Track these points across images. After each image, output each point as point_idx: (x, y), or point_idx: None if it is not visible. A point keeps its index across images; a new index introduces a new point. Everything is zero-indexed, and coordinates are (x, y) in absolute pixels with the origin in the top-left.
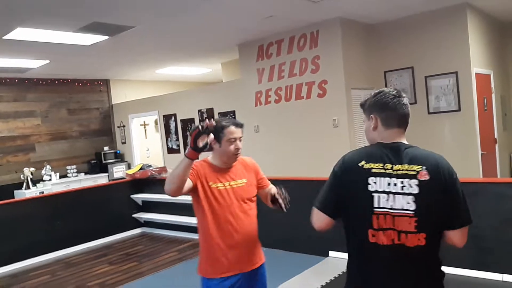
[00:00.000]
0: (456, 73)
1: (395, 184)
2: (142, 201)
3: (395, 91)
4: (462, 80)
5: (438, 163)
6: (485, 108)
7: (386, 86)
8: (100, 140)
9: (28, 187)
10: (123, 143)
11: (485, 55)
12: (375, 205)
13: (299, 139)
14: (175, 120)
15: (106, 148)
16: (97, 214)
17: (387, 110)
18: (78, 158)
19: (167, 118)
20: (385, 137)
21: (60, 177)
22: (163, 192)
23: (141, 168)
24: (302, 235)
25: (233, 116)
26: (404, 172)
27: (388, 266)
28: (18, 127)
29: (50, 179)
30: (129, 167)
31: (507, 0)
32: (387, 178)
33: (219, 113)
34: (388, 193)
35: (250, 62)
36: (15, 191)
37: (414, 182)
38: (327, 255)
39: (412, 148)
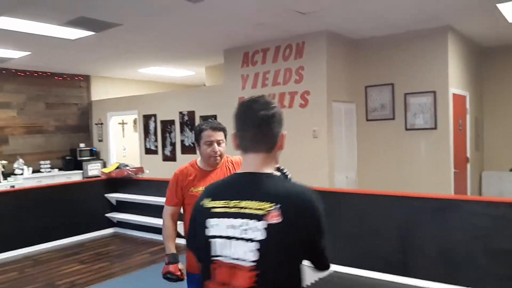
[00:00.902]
0: (434, 92)
1: (238, 227)
2: (116, 200)
3: (254, 98)
4: (439, 99)
5: (298, 200)
6: (460, 127)
7: (366, 101)
8: (77, 137)
9: None
10: (100, 140)
11: (462, 77)
12: (213, 252)
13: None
14: (155, 121)
15: (82, 145)
16: (69, 212)
17: (239, 127)
18: (52, 153)
19: (147, 118)
20: (243, 163)
21: (33, 171)
22: (138, 193)
23: (117, 167)
24: None
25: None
26: (251, 211)
27: None
28: None
29: (22, 173)
30: (104, 165)
31: (487, 26)
32: (229, 219)
33: (200, 116)
34: (228, 238)
35: (234, 68)
36: None
37: (262, 224)
38: None
39: (271, 179)
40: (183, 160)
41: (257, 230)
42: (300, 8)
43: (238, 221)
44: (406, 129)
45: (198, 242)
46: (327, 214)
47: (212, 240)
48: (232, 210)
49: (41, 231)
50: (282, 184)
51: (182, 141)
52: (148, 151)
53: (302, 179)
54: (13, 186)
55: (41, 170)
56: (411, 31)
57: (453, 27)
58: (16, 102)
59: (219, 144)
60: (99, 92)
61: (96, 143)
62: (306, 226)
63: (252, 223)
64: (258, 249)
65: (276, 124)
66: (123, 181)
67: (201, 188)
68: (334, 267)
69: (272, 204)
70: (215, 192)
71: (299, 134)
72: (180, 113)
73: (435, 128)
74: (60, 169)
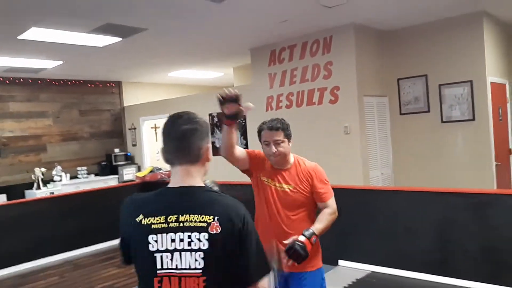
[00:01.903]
0: (471, 81)
1: (181, 240)
2: None
3: (179, 113)
4: (477, 89)
5: (231, 212)
6: (500, 118)
7: (399, 94)
8: (111, 142)
9: (38, 187)
10: (134, 145)
11: (501, 64)
12: (158, 266)
13: (309, 145)
14: None
15: (116, 150)
16: (106, 216)
17: (164, 140)
18: (88, 159)
19: None
20: (171, 177)
21: (71, 178)
22: None
23: (151, 171)
24: None
25: (244, 121)
26: (193, 224)
27: None
28: (30, 127)
29: (60, 180)
30: (139, 169)
31: None
32: (171, 234)
33: None
34: (172, 251)
35: (262, 67)
36: (26, 191)
37: (204, 236)
38: (336, 263)
39: (204, 193)
40: (215, 162)
41: (200, 241)
42: (325, 2)
43: (181, 234)
44: (442, 122)
45: (140, 259)
46: (362, 213)
47: (157, 254)
48: (173, 224)
49: (79, 236)
50: (216, 197)
51: (213, 143)
52: None
53: (336, 178)
54: (52, 193)
55: (78, 176)
56: (443, 19)
57: (489, 12)
58: (52, 110)
59: (277, 144)
60: (131, 97)
61: (130, 148)
62: (239, 235)
63: (195, 235)
64: (203, 258)
65: (197, 138)
66: (157, 184)
67: (265, 179)
68: (370, 267)
69: (211, 217)
70: (148, 208)
71: (330, 131)
72: (210, 115)
73: (473, 119)
74: (96, 175)
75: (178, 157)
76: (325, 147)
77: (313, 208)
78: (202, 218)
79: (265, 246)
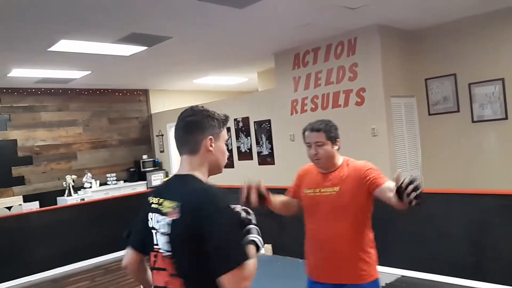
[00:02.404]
0: (502, 79)
1: (158, 221)
2: None
3: (190, 107)
4: (509, 86)
5: (194, 199)
6: None
7: (427, 94)
8: (139, 149)
9: (70, 194)
10: (161, 151)
11: None
12: (154, 242)
13: None
14: None
15: (145, 157)
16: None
17: (174, 132)
18: (117, 166)
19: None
20: (179, 166)
21: (100, 184)
22: None
23: None
24: None
25: (268, 126)
26: (166, 209)
27: None
28: (61, 136)
29: (90, 187)
30: (167, 175)
31: None
32: (157, 215)
33: (254, 122)
34: (157, 230)
35: (286, 71)
36: (58, 198)
37: (168, 220)
38: None
39: (188, 180)
40: (240, 166)
41: (166, 225)
42: (348, 4)
43: (159, 216)
44: (473, 122)
45: (144, 233)
46: (391, 215)
47: (153, 231)
48: (158, 207)
49: (110, 241)
50: (192, 185)
51: (238, 148)
52: None
53: None
54: (83, 199)
55: (108, 182)
56: (470, 16)
57: None
58: (81, 119)
59: (318, 146)
60: (158, 104)
61: (158, 154)
62: (198, 223)
63: (164, 218)
64: (168, 242)
65: (195, 129)
66: None
67: (310, 190)
68: (400, 271)
69: (175, 203)
70: (157, 189)
71: (357, 133)
72: (235, 120)
73: (506, 118)
74: (125, 181)
75: (180, 148)
76: (352, 150)
77: (362, 217)
78: (170, 204)
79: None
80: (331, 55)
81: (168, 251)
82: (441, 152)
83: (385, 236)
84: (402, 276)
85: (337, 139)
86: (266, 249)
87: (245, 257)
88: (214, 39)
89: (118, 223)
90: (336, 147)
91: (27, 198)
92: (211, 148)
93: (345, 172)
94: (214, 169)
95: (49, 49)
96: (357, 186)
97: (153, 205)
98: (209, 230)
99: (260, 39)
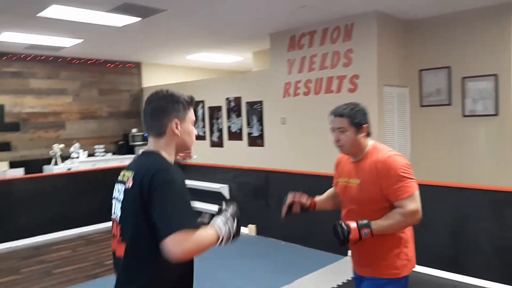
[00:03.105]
0: (496, 75)
1: (119, 190)
2: None
3: (152, 94)
4: (502, 83)
5: (146, 170)
6: None
7: (421, 85)
8: (129, 122)
9: (56, 163)
10: None
11: None
12: (113, 210)
13: (326, 133)
14: (203, 107)
15: (134, 130)
16: None
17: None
18: (106, 138)
19: (195, 104)
20: None
21: (88, 155)
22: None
23: None
24: (322, 232)
25: (260, 107)
26: (124, 179)
27: (117, 275)
28: (50, 104)
29: (78, 157)
30: None
31: None
32: (119, 185)
33: (246, 102)
34: (116, 199)
35: (281, 52)
36: (44, 166)
37: (122, 188)
38: (346, 254)
39: (149, 156)
40: (230, 146)
41: (121, 193)
42: None
43: (119, 186)
44: (464, 116)
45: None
46: None
47: (113, 200)
48: (121, 177)
49: (94, 212)
50: (152, 159)
51: (229, 127)
52: (197, 137)
53: None
54: (69, 169)
55: (96, 154)
56: (469, 10)
57: None
58: (72, 88)
59: (340, 132)
60: (150, 78)
61: None
62: (147, 191)
63: (122, 187)
64: (121, 208)
65: (161, 114)
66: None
67: (341, 179)
68: None
69: (131, 172)
70: (128, 164)
71: None
72: (227, 99)
73: (497, 114)
74: (113, 153)
75: (147, 131)
76: None
77: (386, 212)
78: (128, 173)
79: None
80: (327, 40)
81: (118, 217)
82: (431, 144)
83: None
84: None
85: (364, 125)
86: (250, 229)
87: (191, 225)
88: (210, 15)
89: (103, 195)
90: (362, 134)
91: (13, 165)
92: (176, 131)
93: (368, 164)
94: (181, 149)
95: (38, 15)
96: (376, 183)
97: (119, 177)
98: (156, 198)
99: (256, 18)
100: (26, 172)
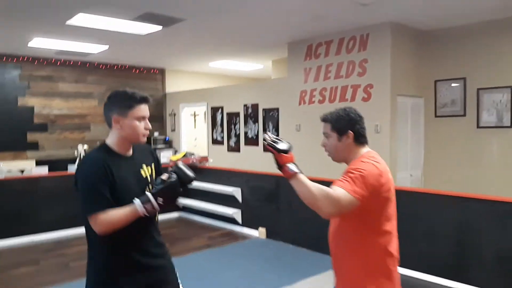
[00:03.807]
0: (511, 87)
1: None
2: None
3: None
4: None
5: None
6: None
7: (435, 96)
8: (151, 126)
9: None
10: (173, 130)
11: None
12: None
13: None
14: (222, 113)
15: (156, 134)
16: None
17: None
18: None
19: (214, 110)
20: None
21: None
22: (203, 180)
23: (184, 155)
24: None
25: (276, 114)
26: None
27: None
28: (76, 107)
29: None
30: (175, 153)
31: None
32: None
33: (263, 109)
34: None
35: (298, 61)
36: (69, 165)
37: None
38: None
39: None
40: (246, 151)
41: None
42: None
43: None
44: (478, 127)
45: None
46: None
47: None
48: None
49: None
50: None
51: (245, 133)
52: (215, 141)
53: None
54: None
55: None
56: (485, 21)
57: None
58: (97, 92)
59: (325, 136)
60: (173, 84)
61: (169, 133)
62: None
63: None
64: None
65: (106, 110)
66: (190, 168)
67: None
68: None
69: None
70: None
71: None
72: (245, 105)
73: (511, 126)
74: None
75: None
76: None
77: (365, 220)
78: None
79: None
80: (343, 49)
81: None
82: (444, 154)
83: None
84: None
85: (347, 132)
86: (261, 232)
87: (96, 209)
88: (228, 25)
89: None
90: (347, 141)
91: (39, 164)
92: (117, 125)
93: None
94: (128, 141)
95: (67, 23)
96: None
97: None
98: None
99: (274, 27)
100: (51, 171)
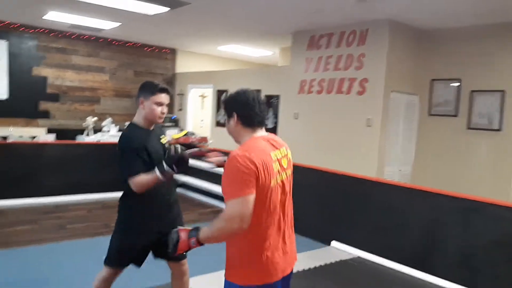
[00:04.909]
0: (503, 91)
1: None
2: None
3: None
4: (509, 99)
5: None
6: None
7: (431, 95)
8: None
9: (88, 134)
10: (180, 110)
11: None
12: None
13: (333, 131)
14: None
15: None
16: None
17: None
18: None
19: (220, 93)
20: None
21: (118, 130)
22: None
23: (185, 135)
24: (310, 221)
25: (276, 101)
26: None
27: None
28: (88, 80)
29: (109, 131)
30: (181, 131)
31: None
32: None
33: (265, 96)
34: None
35: (301, 50)
36: (77, 136)
37: None
38: (329, 244)
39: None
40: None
41: None
42: None
43: None
44: (468, 128)
45: None
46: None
47: None
48: None
49: (113, 181)
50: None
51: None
52: (218, 123)
53: (349, 166)
54: (99, 141)
55: None
56: (482, 25)
57: None
58: (109, 67)
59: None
60: (183, 65)
61: (176, 112)
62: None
63: None
64: None
65: (138, 92)
66: (188, 146)
67: None
68: (359, 252)
69: None
70: None
71: (354, 121)
72: None
73: (500, 129)
74: None
75: None
76: (345, 136)
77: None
78: None
79: None
80: (343, 42)
81: None
82: (435, 152)
83: (351, 219)
84: (359, 256)
85: (233, 114)
86: None
87: (131, 173)
88: (231, 11)
89: None
90: (234, 123)
91: (50, 132)
92: (141, 106)
93: None
94: (148, 119)
95: None
96: None
97: None
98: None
99: (278, 16)
100: (60, 139)
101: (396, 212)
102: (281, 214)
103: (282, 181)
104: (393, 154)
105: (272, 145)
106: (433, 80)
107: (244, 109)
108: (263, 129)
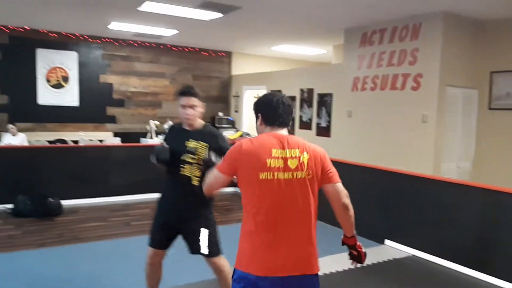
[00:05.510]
0: None
1: None
2: None
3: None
4: None
5: None
6: None
7: (490, 88)
8: (217, 106)
9: (151, 137)
10: (236, 111)
11: None
12: None
13: (387, 128)
14: None
15: (220, 114)
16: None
17: None
18: None
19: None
20: None
21: None
22: None
23: (240, 135)
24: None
25: (330, 99)
26: None
27: None
28: (150, 85)
29: None
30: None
31: None
32: None
33: (318, 94)
34: None
35: (353, 48)
36: (142, 138)
37: None
38: (383, 242)
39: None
40: (300, 135)
41: None
42: None
43: None
44: None
45: None
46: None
47: None
48: None
49: None
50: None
51: (300, 117)
52: None
53: (404, 163)
54: (162, 143)
55: None
56: None
57: None
58: (169, 72)
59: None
60: (238, 67)
61: (233, 114)
62: None
63: None
64: None
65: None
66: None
67: None
68: (413, 251)
69: None
70: None
71: (408, 117)
72: (301, 90)
73: None
74: None
75: None
76: (400, 133)
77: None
78: None
79: None
80: (396, 38)
81: None
82: (497, 147)
83: (405, 217)
84: (413, 255)
85: (257, 114)
86: None
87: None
88: (281, 12)
89: None
90: (259, 122)
91: (117, 135)
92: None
93: None
94: (182, 120)
95: (138, 8)
96: None
97: None
98: None
99: (330, 14)
100: (124, 142)
101: (452, 210)
102: (281, 214)
103: (285, 181)
104: (450, 151)
105: (281, 143)
106: (493, 72)
107: (267, 110)
108: (285, 129)
